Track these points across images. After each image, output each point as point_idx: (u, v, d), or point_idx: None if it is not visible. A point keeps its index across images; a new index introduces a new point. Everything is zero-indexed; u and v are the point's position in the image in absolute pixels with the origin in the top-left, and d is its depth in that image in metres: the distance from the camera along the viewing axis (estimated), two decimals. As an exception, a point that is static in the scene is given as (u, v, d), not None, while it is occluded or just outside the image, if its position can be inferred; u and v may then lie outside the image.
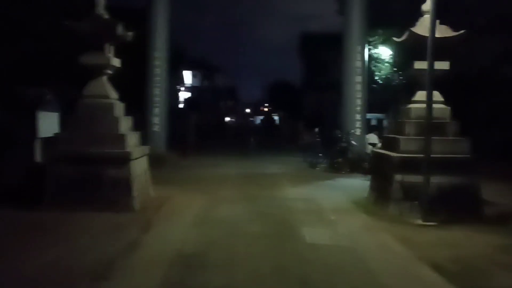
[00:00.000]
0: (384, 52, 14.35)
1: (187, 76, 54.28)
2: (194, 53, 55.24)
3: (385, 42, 14.24)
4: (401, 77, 13.79)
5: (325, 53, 31.63)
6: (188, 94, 48.83)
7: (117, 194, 7.41)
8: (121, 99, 8.50)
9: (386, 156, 7.85)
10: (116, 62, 8.25)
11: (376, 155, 8.57)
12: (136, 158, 7.84)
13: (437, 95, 7.86)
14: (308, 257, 5.24)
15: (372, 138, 13.21)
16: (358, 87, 13.28)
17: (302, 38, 34.59)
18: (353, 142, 12.93)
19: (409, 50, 8.43)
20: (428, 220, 6.95)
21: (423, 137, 7.31)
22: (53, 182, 7.41)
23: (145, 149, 8.74)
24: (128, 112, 8.67)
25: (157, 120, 13.37)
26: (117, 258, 5.02)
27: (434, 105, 7.29)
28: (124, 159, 7.53)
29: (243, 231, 6.28)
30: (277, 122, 55.03)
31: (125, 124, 8.07)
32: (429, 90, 7.10)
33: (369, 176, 12.12)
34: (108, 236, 5.92)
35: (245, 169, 13.49)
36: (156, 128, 13.37)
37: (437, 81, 7.43)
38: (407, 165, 7.36)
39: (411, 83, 8.43)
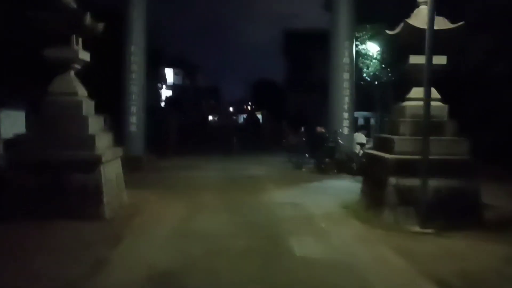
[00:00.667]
0: (372, 48, 13.85)
1: (169, 75, 53.31)
2: (176, 52, 54.25)
3: (373, 37, 13.75)
4: (390, 74, 13.30)
5: (309, 51, 31.16)
6: (169, 93, 47.93)
7: (85, 202, 6.67)
8: (95, 97, 7.76)
9: (379, 158, 7.29)
10: (85, 55, 7.49)
11: (368, 157, 8.00)
12: (107, 162, 7.10)
13: (434, 92, 7.30)
14: (300, 276, 4.62)
15: (360, 137, 12.69)
16: (346, 84, 12.74)
17: (285, 36, 34.08)
18: (341, 142, 12.38)
19: (403, 44, 7.87)
20: (425, 227, 6.42)
21: (419, 137, 6.79)
22: (11, 189, 6.62)
23: (118, 151, 8.00)
24: (103, 111, 7.94)
25: (134, 119, 12.58)
26: (77, 282, 4.31)
27: (432, 103, 6.75)
28: (93, 163, 6.79)
29: (226, 246, 5.61)
30: (260, 121, 54.45)
31: (95, 124, 7.32)
32: (427, 86, 6.57)
33: (357, 177, 11.61)
34: (70, 253, 5.17)
35: (228, 171, 12.82)
36: (133, 128, 12.57)
37: (433, 77, 6.90)
38: (403, 168, 6.81)
39: (406, 79, 7.90)
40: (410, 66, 7.44)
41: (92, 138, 6.87)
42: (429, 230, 6.38)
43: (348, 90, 12.79)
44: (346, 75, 12.77)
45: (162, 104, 36.27)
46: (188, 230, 6.35)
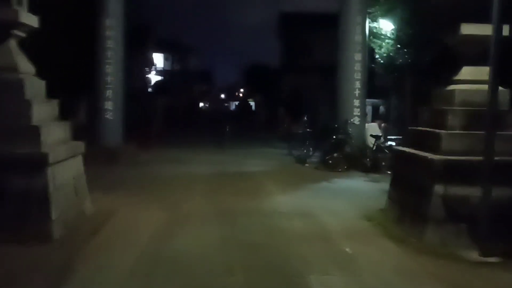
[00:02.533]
0: (385, 26, 12.04)
1: (158, 59, 51.06)
2: (166, 35, 51.86)
3: (386, 13, 11.92)
4: (407, 55, 11.52)
5: (306, 34, 29.29)
6: (158, 78, 45.80)
7: (24, 218, 4.89)
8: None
9: (419, 158, 5.57)
10: (31, 19, 5.60)
11: (401, 156, 6.25)
12: (58, 161, 5.30)
13: (485, 72, 5.55)
14: None
15: (374, 128, 10.96)
16: (358, 66, 10.96)
17: (281, 18, 32.11)
18: (352, 134, 10.66)
19: (443, 12, 6.12)
20: (487, 254, 4.77)
21: (475, 132, 5.13)
22: None
23: (79, 146, 6.19)
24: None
25: (110, 105, 10.70)
26: None
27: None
28: (38, 163, 4.99)
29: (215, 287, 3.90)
30: (253, 108, 52.60)
31: (43, 111, 5.49)
32: (494, 64, 4.82)
33: (371, 175, 9.97)
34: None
35: (220, 166, 11.04)
36: (108, 116, 10.70)
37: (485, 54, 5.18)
38: (453, 172, 5.13)
39: (450, 57, 6.22)
40: (461, 38, 5.70)
41: (35, 130, 5.05)
42: (493, 259, 4.72)
43: (360, 74, 11.03)
44: (357, 56, 10.99)
45: (150, 90, 34.16)
46: (163, 257, 4.59)
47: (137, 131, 14.28)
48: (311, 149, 11.90)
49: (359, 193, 8.18)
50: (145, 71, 31.91)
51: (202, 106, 54.75)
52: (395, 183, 6.45)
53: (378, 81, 13.00)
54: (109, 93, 10.64)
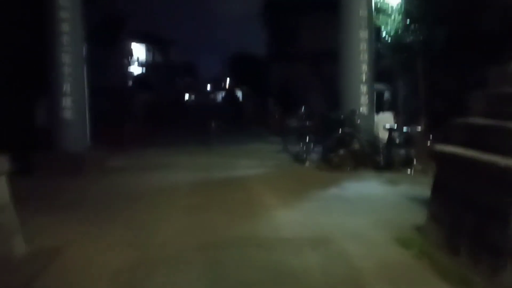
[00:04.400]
0: (392, 0, 10.33)
1: (140, 51, 48.94)
2: (148, 26, 49.65)
3: (393, -17, 10.22)
4: (418, 32, 9.84)
5: (294, 19, 27.58)
6: (140, 70, 43.78)
7: None
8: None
9: (483, 165, 3.92)
10: None
11: (449, 159, 4.56)
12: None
13: None
14: None
15: (387, 119, 9.31)
16: (364, 45, 9.28)
17: (266, 3, 30.26)
18: (360, 126, 9.00)
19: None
20: None
21: None
22: None
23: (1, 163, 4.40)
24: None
25: (69, 102, 8.84)
26: None
27: None
28: None
29: None
30: (240, 98, 50.76)
31: None
32: None
33: (386, 175, 8.36)
34: None
35: (206, 171, 9.30)
36: (67, 115, 8.84)
37: None
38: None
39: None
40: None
41: None
42: None
43: (366, 54, 9.36)
44: (363, 34, 9.30)
45: (130, 83, 32.09)
46: None
47: (110, 132, 12.47)
48: (311, 145, 10.21)
49: (379, 201, 6.55)
50: (123, 63, 29.83)
51: (187, 99, 52.70)
52: (439, 195, 4.78)
53: (381, 63, 11.31)
54: (66, 87, 8.77)
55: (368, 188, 7.47)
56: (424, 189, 7.19)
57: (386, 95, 12.26)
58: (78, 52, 9.13)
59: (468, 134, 4.50)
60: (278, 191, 7.35)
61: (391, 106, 11.68)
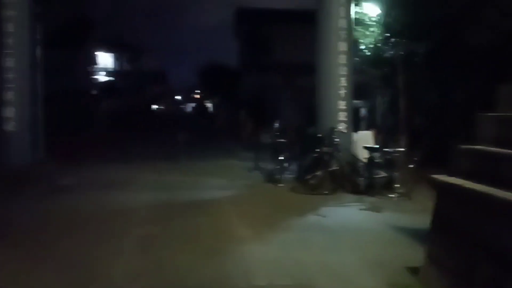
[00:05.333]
0: (371, 11, 9.80)
1: (106, 58, 47.43)
2: (117, 33, 48.20)
3: (372, -6, 9.70)
4: (399, 46, 9.32)
5: (266, 30, 27.16)
6: (107, 79, 42.28)
7: None
8: None
9: (500, 203, 3.21)
10: None
11: (461, 195, 3.79)
12: None
13: None
14: None
15: (367, 138, 8.65)
16: (343, 59, 8.64)
17: (238, 14, 29.73)
18: (339, 145, 8.30)
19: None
20: None
21: None
22: None
23: None
24: None
25: (12, 112, 7.73)
26: None
27: None
28: None
29: None
30: (211, 110, 49.91)
31: None
32: None
33: (367, 199, 7.67)
34: None
35: (170, 192, 8.35)
36: (10, 126, 7.73)
37: None
38: None
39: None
40: None
41: None
42: None
43: (345, 68, 8.72)
44: (342, 46, 8.68)
45: (95, 92, 30.68)
46: None
47: (67, 143, 11.37)
48: (285, 163, 9.45)
49: (364, 233, 5.81)
50: (87, 70, 28.42)
51: (156, 109, 51.29)
52: (441, 233, 4.06)
53: (358, 78, 10.73)
54: (10, 95, 7.67)
55: (349, 216, 6.73)
56: (410, 218, 6.55)
57: (363, 112, 11.69)
58: (25, 56, 8.06)
59: (476, 164, 3.82)
60: (250, 218, 6.51)
61: (369, 124, 11.09)
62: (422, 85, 9.56)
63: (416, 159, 7.64)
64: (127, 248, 5.08)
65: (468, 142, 4.11)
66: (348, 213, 6.87)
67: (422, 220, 6.36)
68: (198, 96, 59.23)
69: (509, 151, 3.43)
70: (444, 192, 4.02)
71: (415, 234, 5.55)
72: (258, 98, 23.37)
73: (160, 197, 7.79)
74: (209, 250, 5.01)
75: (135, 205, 7.20)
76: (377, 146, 8.13)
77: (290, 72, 22.63)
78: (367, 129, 10.02)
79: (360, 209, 7.12)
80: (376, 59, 9.83)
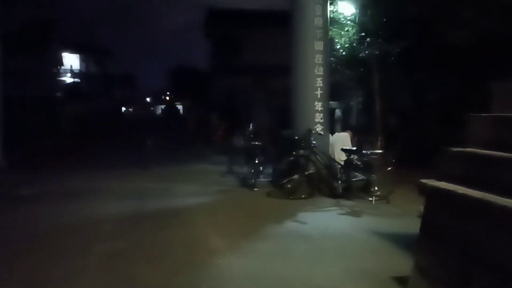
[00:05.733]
0: (346, 10, 9.61)
1: (72, 60, 45.95)
2: (85, 35, 46.93)
3: (347, -7, 9.51)
4: (374, 46, 9.15)
5: (238, 32, 26.84)
6: (72, 81, 40.91)
7: None
8: None
9: (500, 211, 2.96)
10: None
11: (454, 202, 3.52)
12: None
13: None
14: None
15: (344, 140, 8.41)
16: (319, 58, 8.38)
17: (209, 16, 29.25)
18: (316, 147, 8.02)
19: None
20: None
21: None
22: None
23: None
24: None
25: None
26: None
27: None
28: None
29: None
30: (181, 112, 49.14)
31: None
32: None
33: (344, 203, 7.44)
34: None
35: (139, 201, 7.86)
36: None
37: None
38: None
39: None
40: None
41: None
42: None
43: (321, 68, 8.45)
44: (318, 45, 8.41)
45: (59, 94, 29.47)
46: None
47: (29, 150, 10.66)
48: (260, 167, 9.12)
49: (345, 240, 5.53)
50: (51, 72, 27.26)
51: (125, 111, 50.06)
52: (431, 242, 3.80)
53: (332, 78, 10.53)
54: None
55: (328, 221, 6.45)
56: (391, 222, 6.33)
57: (338, 113, 11.49)
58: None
59: (468, 168, 3.58)
60: (225, 227, 6.14)
61: (344, 126, 10.89)
62: (397, 85, 9.44)
63: (394, 161, 7.44)
64: (91, 266, 4.61)
65: (448, 144, 3.90)
66: (327, 219, 6.59)
67: (403, 224, 6.17)
68: (168, 98, 58.26)
69: (506, 154, 3.20)
70: (434, 198, 3.77)
71: (398, 240, 5.33)
72: (230, 101, 22.99)
73: (128, 207, 7.29)
74: (182, 265, 4.61)
75: (100, 217, 6.70)
76: (355, 148, 7.89)
77: (262, 74, 22.38)
78: (342, 130, 9.81)
79: (339, 214, 6.87)
80: (351, 59, 9.64)
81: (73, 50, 45.05)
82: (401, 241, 5.28)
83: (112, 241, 5.51)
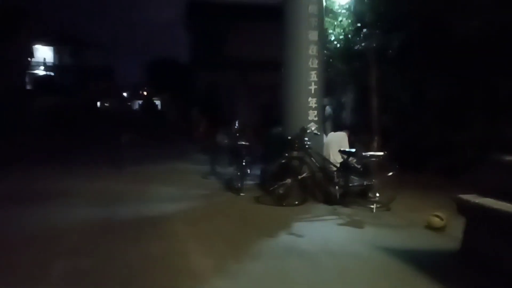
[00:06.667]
0: (341, -1, 8.86)
1: (46, 52, 44.18)
2: (59, 26, 45.02)
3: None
4: (371, 38, 8.42)
5: (219, 24, 25.90)
6: (45, 73, 39.27)
7: None
8: None
9: None
10: None
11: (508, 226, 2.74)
12: None
13: None
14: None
15: (341, 140, 7.65)
16: (313, 49, 7.59)
17: (191, 7, 28.15)
18: (311, 148, 7.24)
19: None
20: None
21: None
22: None
23: None
24: None
25: None
26: None
27: None
28: None
29: None
30: (159, 107, 47.77)
31: None
32: None
33: (342, 211, 6.69)
34: None
35: (110, 206, 6.94)
36: None
37: None
38: None
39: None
40: None
41: None
42: None
43: (316, 61, 7.67)
44: (313, 35, 7.62)
45: (30, 87, 27.94)
46: None
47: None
48: (247, 169, 8.30)
49: (350, 258, 4.76)
50: (22, 63, 25.74)
51: (101, 106, 48.39)
52: (478, 272, 3.05)
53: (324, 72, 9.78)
54: None
55: (327, 234, 5.67)
56: (397, 235, 5.59)
57: (328, 110, 10.75)
58: None
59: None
60: (209, 240, 5.30)
61: (335, 124, 10.17)
62: (396, 81, 8.74)
63: (397, 165, 6.73)
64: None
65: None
66: (325, 231, 5.81)
67: (411, 238, 5.46)
68: (146, 93, 56.69)
69: None
70: (479, 217, 3.03)
71: (409, 258, 4.61)
72: (212, 96, 22.07)
73: (97, 214, 6.37)
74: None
75: (65, 226, 5.76)
76: (354, 149, 7.14)
77: (246, 69, 21.54)
78: (333, 129, 9.09)
79: (338, 224, 6.12)
80: (346, 52, 8.89)
81: (47, 42, 43.26)
82: (413, 259, 4.57)
83: (75, 258, 4.61)
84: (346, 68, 9.25)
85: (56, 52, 46.45)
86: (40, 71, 38.52)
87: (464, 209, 3.15)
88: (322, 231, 5.76)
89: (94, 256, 4.66)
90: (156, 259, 4.59)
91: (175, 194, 7.91)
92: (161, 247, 4.97)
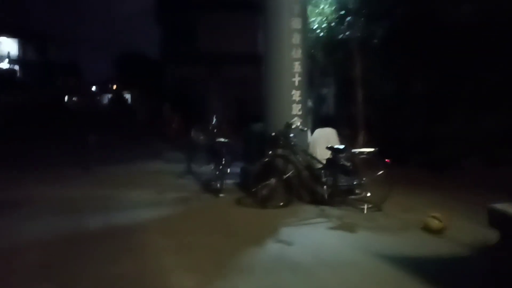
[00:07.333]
0: (323, -16, 8.34)
1: (10, 45, 42.06)
2: (21, 19, 42.84)
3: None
4: (355, 27, 7.95)
5: (191, 16, 25.03)
6: (10, 68, 37.41)
7: None
8: None
9: None
10: None
11: None
12: None
13: None
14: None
15: (330, 136, 7.15)
16: (297, 39, 7.04)
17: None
18: (296, 145, 6.71)
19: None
20: None
21: None
22: None
23: None
24: None
25: None
26: None
27: None
28: None
29: None
30: (129, 102, 46.44)
31: None
32: None
33: (331, 212, 6.19)
34: None
35: (74, 215, 6.21)
36: None
37: None
38: None
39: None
40: None
41: None
42: None
43: (299, 50, 7.13)
44: (295, 22, 7.07)
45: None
46: None
47: None
48: (227, 168, 7.70)
49: (346, 267, 4.29)
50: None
51: (68, 101, 46.65)
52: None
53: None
54: None
55: (319, 240, 5.17)
56: (393, 240, 5.11)
57: (309, 104, 10.23)
58: None
59: None
60: (190, 253, 4.70)
61: (316, 118, 9.68)
62: (381, 72, 8.31)
63: (388, 162, 6.29)
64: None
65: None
66: (316, 236, 5.30)
67: (409, 242, 5.00)
68: (115, 87, 55.06)
69: None
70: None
71: (412, 267, 4.19)
72: (185, 91, 21.28)
73: (60, 226, 5.64)
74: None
75: (19, 241, 5.03)
76: (343, 146, 6.65)
77: (221, 62, 20.84)
78: (315, 124, 8.58)
79: (329, 228, 5.62)
80: (328, 42, 8.40)
81: (10, 34, 41.16)
82: (416, 267, 4.15)
83: (32, 283, 3.92)
84: (328, 59, 8.76)
85: (21, 46, 44.32)
86: (4, 65, 36.66)
87: (497, 220, 2.69)
88: (312, 238, 5.24)
89: (56, 280, 3.99)
90: (130, 281, 3.96)
91: (148, 198, 7.22)
92: (135, 265, 4.34)
